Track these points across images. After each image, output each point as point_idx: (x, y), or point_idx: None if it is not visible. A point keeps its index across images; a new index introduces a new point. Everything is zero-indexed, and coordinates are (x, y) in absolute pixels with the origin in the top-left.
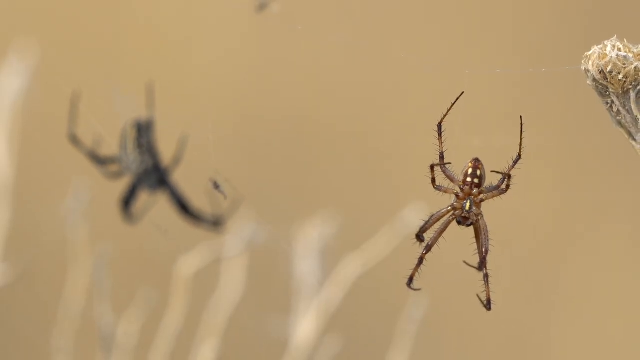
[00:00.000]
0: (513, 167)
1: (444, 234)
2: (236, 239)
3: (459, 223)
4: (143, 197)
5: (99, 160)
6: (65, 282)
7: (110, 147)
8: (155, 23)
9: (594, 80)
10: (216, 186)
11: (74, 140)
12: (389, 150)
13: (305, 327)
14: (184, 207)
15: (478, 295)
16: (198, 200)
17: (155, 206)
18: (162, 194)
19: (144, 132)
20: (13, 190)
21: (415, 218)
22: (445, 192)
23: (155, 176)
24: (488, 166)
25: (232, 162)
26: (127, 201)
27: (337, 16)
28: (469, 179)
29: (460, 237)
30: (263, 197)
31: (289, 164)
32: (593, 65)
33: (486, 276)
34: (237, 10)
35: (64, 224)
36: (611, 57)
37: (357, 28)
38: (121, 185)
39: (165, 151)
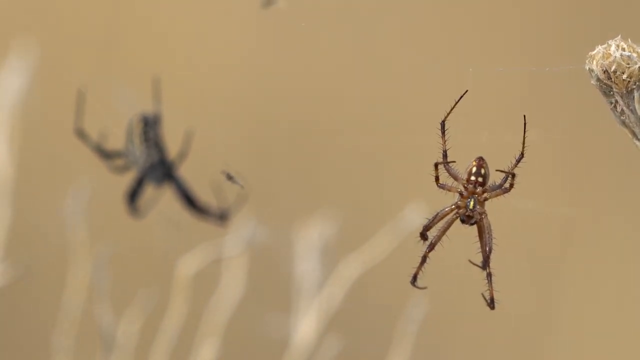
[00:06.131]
0: (516, 165)
1: (447, 233)
2: (236, 238)
3: (463, 221)
4: (149, 192)
5: (106, 154)
6: (65, 282)
7: (116, 142)
8: (159, 20)
9: (598, 79)
10: (229, 177)
11: (81, 134)
12: (391, 150)
13: (305, 327)
14: (190, 200)
15: (482, 294)
16: (203, 195)
17: (164, 202)
18: (168, 188)
19: (150, 126)
20: (13, 190)
21: (415, 218)
22: (449, 190)
23: (161, 170)
24: (492, 165)
25: (232, 161)
26: (133, 195)
27: (340, 14)
28: (472, 178)
29: (464, 236)
30: (263, 196)
31: (289, 164)
32: (597, 65)
33: (489, 275)
34: (243, 7)
35: (64, 223)
36: (615, 56)
37: (360, 26)
38: (123, 184)
39: (171, 148)
